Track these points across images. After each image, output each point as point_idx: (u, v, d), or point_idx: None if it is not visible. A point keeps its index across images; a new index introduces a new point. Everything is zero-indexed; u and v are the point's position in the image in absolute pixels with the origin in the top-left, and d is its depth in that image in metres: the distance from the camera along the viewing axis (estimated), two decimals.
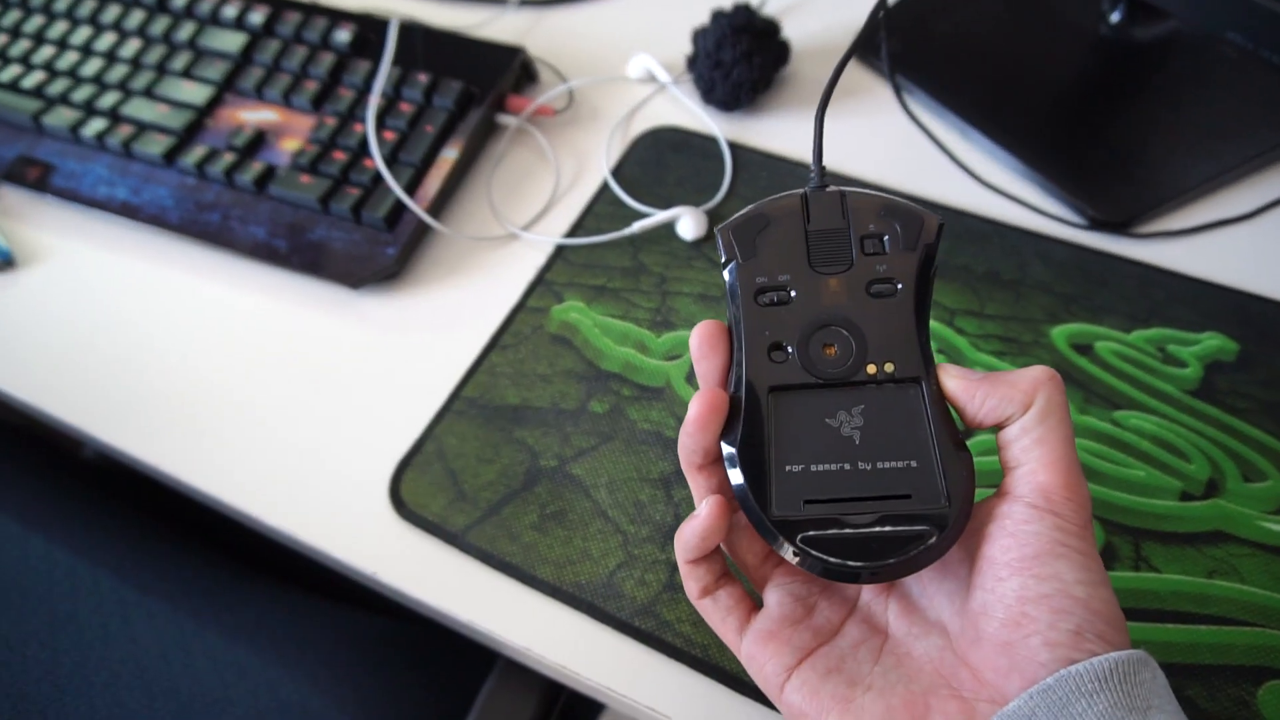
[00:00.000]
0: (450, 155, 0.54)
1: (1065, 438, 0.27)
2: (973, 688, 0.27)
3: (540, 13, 0.64)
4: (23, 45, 0.62)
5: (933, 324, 0.46)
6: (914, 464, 0.29)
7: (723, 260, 0.31)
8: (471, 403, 0.46)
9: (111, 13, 0.62)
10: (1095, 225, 0.49)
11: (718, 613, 0.31)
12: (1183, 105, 0.53)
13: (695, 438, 0.30)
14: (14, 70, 0.61)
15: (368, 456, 0.45)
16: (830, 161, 0.53)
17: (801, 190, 0.31)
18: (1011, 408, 0.28)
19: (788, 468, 0.29)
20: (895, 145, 0.53)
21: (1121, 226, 0.49)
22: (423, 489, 0.43)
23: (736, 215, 0.31)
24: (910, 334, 0.30)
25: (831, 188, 0.31)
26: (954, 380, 0.29)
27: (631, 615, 0.39)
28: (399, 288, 0.52)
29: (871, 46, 0.57)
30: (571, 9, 0.64)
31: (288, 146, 0.56)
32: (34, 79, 0.60)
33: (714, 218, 0.51)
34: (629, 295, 0.49)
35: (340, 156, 0.54)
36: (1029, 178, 0.51)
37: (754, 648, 0.30)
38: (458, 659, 0.48)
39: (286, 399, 0.48)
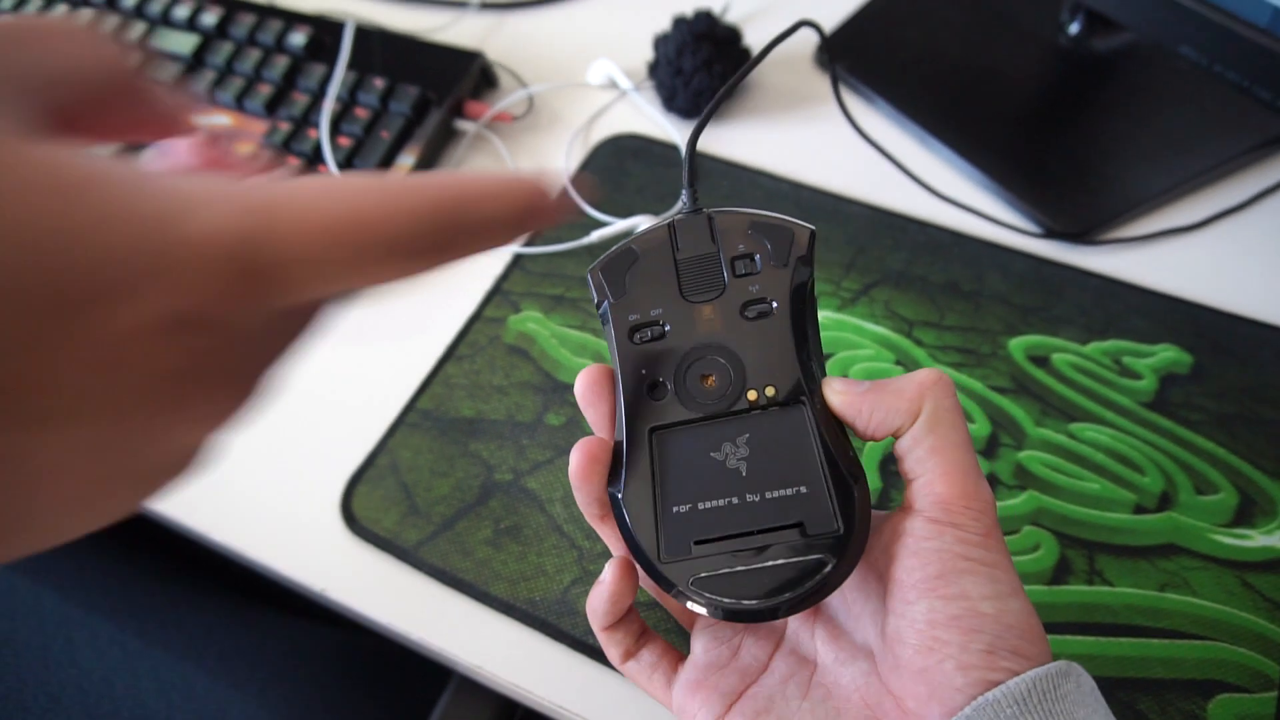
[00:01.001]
0: (407, 162, 0.53)
1: (958, 443, 0.27)
2: (898, 718, 0.27)
3: (501, 16, 0.64)
4: None
5: (892, 335, 0.46)
6: (804, 489, 0.28)
7: (595, 302, 0.30)
8: (426, 415, 0.45)
9: (58, 12, 0.61)
10: (1052, 235, 0.49)
11: (643, 673, 0.31)
12: (1139, 117, 0.53)
13: (581, 490, 0.29)
14: None
15: (319, 470, 0.44)
16: (786, 171, 0.53)
17: (670, 218, 0.30)
18: (899, 418, 0.27)
19: (675, 509, 0.28)
20: (852, 156, 0.53)
21: (1078, 237, 0.49)
22: (375, 504, 0.43)
23: (605, 254, 0.30)
24: (789, 353, 0.29)
25: (704, 211, 0.30)
26: (838, 395, 0.28)
27: (586, 633, 0.39)
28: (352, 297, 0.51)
29: (839, 55, 0.57)
30: (533, 13, 0.64)
31: (240, 151, 0.55)
32: None
33: None
34: (587, 305, 0.49)
35: (294, 162, 0.53)
36: (988, 187, 0.51)
37: (683, 699, 0.30)
38: (411, 675, 0.47)
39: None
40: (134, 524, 0.55)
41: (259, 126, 0.56)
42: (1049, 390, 0.44)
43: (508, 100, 0.57)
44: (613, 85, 0.58)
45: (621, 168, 0.54)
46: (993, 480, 0.42)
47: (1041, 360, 0.45)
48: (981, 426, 0.43)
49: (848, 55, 0.57)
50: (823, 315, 0.48)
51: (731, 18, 0.60)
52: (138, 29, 0.59)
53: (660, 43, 0.54)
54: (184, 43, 0.58)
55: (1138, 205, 0.50)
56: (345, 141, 0.53)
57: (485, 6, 0.64)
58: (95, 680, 0.41)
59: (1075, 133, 0.53)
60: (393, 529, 0.42)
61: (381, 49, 0.57)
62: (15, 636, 0.43)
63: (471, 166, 0.56)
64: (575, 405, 0.45)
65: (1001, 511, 0.41)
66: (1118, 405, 0.44)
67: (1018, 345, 0.46)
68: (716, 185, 0.52)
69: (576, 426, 0.45)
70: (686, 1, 0.62)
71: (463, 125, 0.56)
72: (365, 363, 0.48)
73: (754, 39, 0.58)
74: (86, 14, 0.60)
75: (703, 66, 0.51)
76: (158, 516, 0.45)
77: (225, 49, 0.58)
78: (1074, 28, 0.56)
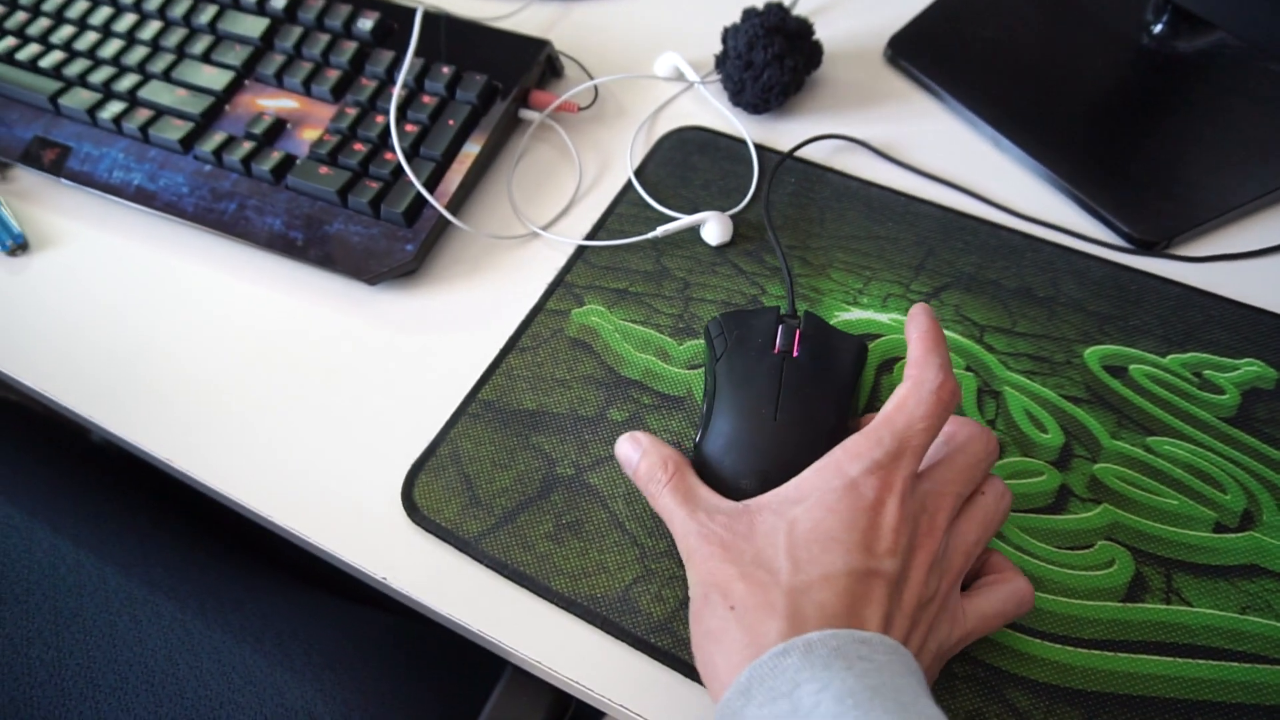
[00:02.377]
0: (472, 150, 0.53)
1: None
2: None
3: (567, 6, 0.63)
4: (42, 24, 0.61)
5: (963, 340, 0.45)
6: None
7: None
8: (488, 406, 0.45)
9: None
10: (1132, 243, 0.48)
11: None
12: (1226, 122, 0.51)
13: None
14: (33, 49, 0.60)
15: (381, 458, 0.44)
16: (852, 168, 0.52)
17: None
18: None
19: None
20: (923, 155, 0.52)
21: (1159, 245, 0.48)
22: (436, 493, 0.43)
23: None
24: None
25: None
26: None
27: (647, 631, 0.38)
28: (416, 284, 0.51)
29: (910, 52, 0.56)
30: (598, 3, 0.63)
31: (307, 136, 0.55)
32: (52, 59, 0.59)
33: (739, 222, 0.50)
34: (651, 300, 0.48)
35: (360, 148, 0.53)
36: (1064, 192, 0.50)
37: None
38: (467, 665, 0.47)
39: (299, 395, 0.47)
40: (194, 504, 0.56)
41: (326, 111, 0.56)
42: (1126, 402, 0.43)
43: (573, 91, 0.57)
44: (680, 77, 0.57)
45: (686, 161, 0.53)
46: (1065, 492, 0.41)
47: (1118, 371, 0.44)
48: (1055, 437, 0.42)
49: (918, 51, 0.56)
50: (890, 317, 0.47)
51: (800, 10, 0.59)
52: (208, 11, 0.59)
53: (729, 35, 0.53)
54: (254, 26, 0.58)
55: (1222, 214, 0.48)
56: (411, 128, 0.53)
57: None
58: (160, 660, 0.42)
59: (1157, 137, 0.51)
60: (453, 519, 0.42)
61: (448, 36, 0.57)
62: (83, 613, 0.43)
63: (536, 156, 0.55)
64: (639, 401, 0.45)
65: (1075, 525, 0.40)
66: (1198, 420, 0.42)
67: (1093, 355, 0.45)
68: (782, 181, 0.52)
69: (640, 422, 0.44)
70: None
71: (527, 115, 0.56)
72: (427, 352, 0.48)
73: (824, 33, 0.57)
74: None
75: (774, 61, 0.50)
76: (218, 496, 0.45)
77: (294, 33, 0.58)
78: (1158, 27, 0.54)
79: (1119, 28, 0.56)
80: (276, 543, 0.47)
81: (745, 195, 0.51)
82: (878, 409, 0.42)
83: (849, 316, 0.47)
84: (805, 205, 0.50)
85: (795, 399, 0.40)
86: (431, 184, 0.51)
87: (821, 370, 0.41)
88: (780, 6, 0.52)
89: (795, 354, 0.41)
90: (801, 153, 0.53)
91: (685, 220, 0.49)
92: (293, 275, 0.52)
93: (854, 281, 0.48)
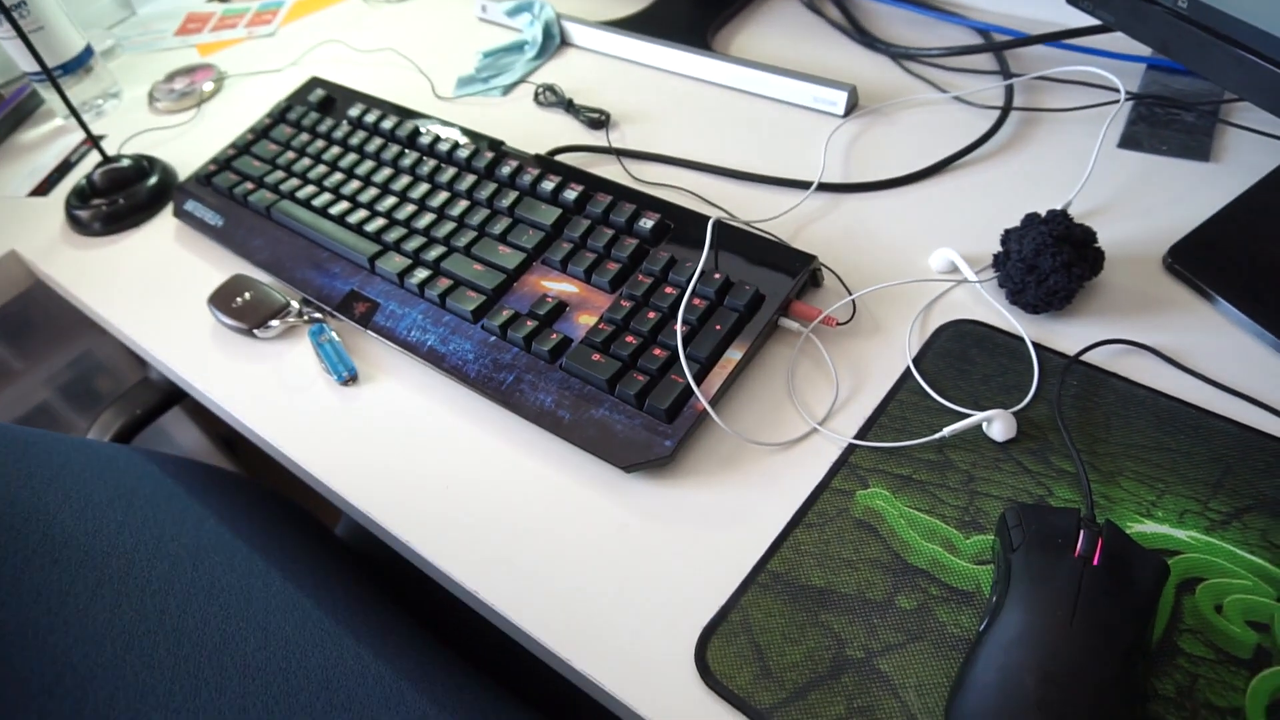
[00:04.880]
0: (734, 356, 0.54)
1: None
2: None
3: (837, 198, 0.67)
4: (371, 193, 0.70)
5: (1272, 569, 0.43)
6: None
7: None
8: (776, 577, 0.45)
9: (447, 174, 0.69)
10: None
11: None
12: None
13: None
14: (361, 214, 0.69)
15: (669, 619, 0.45)
16: (1135, 374, 0.52)
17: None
18: None
19: None
20: (1215, 368, 0.52)
21: None
22: (729, 659, 0.42)
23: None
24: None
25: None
26: None
27: None
28: (671, 472, 0.52)
29: (1193, 261, 0.56)
30: (867, 196, 0.67)
31: (583, 321, 0.59)
32: (375, 224, 0.67)
33: (1021, 420, 0.50)
34: (935, 489, 0.48)
35: (631, 340, 0.56)
36: None
37: None
38: None
39: (588, 546, 0.49)
40: (456, 616, 0.58)
41: (602, 300, 0.59)
42: None
43: (834, 306, 0.58)
44: (952, 271, 0.59)
45: (964, 354, 0.54)
46: None
47: None
48: None
49: (1202, 261, 0.56)
50: (1189, 534, 0.45)
51: (1075, 211, 0.61)
52: (509, 197, 0.66)
53: (1012, 238, 0.55)
54: (547, 214, 0.65)
55: None
56: (681, 327, 0.55)
57: (823, 188, 0.68)
58: None
59: None
60: (746, 688, 0.41)
61: (723, 239, 0.60)
62: (354, 703, 0.44)
63: (795, 367, 0.57)
64: (926, 591, 0.44)
65: None
66: None
67: None
68: (1064, 382, 0.51)
69: (929, 614, 0.43)
70: (1022, 193, 0.64)
71: (787, 324, 0.57)
72: (719, 509, 0.49)
73: (1104, 238, 0.58)
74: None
75: (1061, 269, 0.52)
76: (517, 631, 0.47)
77: (581, 225, 0.63)
78: None
79: None
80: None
81: (1025, 393, 0.51)
82: (1177, 631, 0.41)
83: (1143, 529, 0.45)
84: (1089, 409, 0.50)
85: (1094, 607, 0.39)
86: (695, 383, 0.53)
87: (1122, 583, 0.40)
88: (1064, 214, 0.54)
89: (1096, 561, 0.40)
90: (1084, 356, 0.53)
91: (973, 418, 0.49)
92: (549, 446, 0.55)
93: (1146, 493, 0.47)
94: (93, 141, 0.79)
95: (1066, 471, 0.48)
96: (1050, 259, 0.52)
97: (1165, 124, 0.66)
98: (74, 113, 0.76)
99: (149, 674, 0.42)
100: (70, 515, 0.48)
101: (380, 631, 0.54)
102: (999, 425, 0.49)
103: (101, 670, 0.40)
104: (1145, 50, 0.71)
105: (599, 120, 0.77)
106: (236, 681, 0.45)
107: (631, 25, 0.86)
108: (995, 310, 0.57)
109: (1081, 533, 0.41)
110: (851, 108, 0.74)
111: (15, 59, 0.86)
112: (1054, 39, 0.72)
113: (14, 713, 0.36)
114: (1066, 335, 0.54)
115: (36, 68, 0.86)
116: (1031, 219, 0.55)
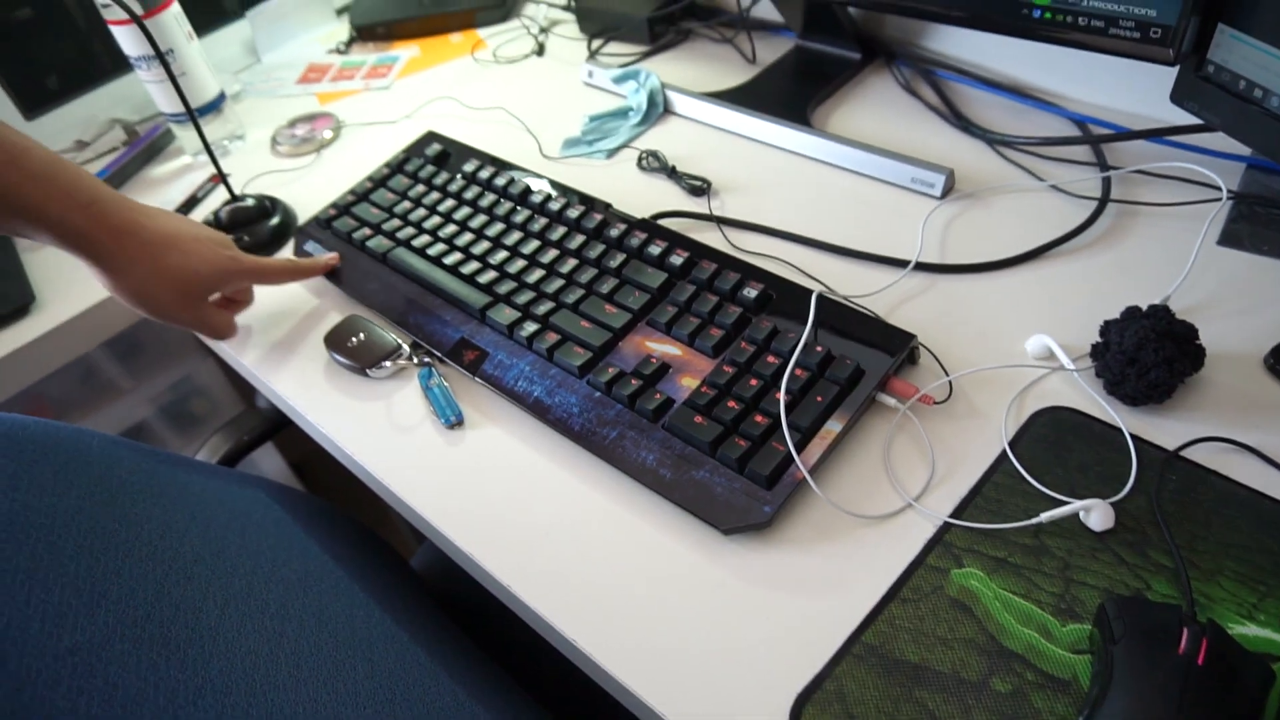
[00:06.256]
0: (834, 428, 0.56)
1: None
2: None
3: (933, 278, 0.69)
4: (483, 245, 0.74)
5: None
6: None
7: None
8: (871, 650, 0.46)
9: (557, 232, 0.73)
10: None
11: None
12: None
13: None
14: (474, 265, 0.72)
15: (762, 682, 0.46)
16: (1236, 473, 0.52)
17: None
18: None
19: None
20: None
21: None
22: None
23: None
24: None
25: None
26: None
27: None
28: (767, 537, 0.54)
29: None
30: (964, 279, 0.68)
31: (685, 383, 0.61)
32: (487, 276, 0.71)
33: (1118, 510, 0.51)
34: (1030, 574, 0.49)
35: (733, 405, 0.57)
36: None
37: None
38: None
39: (684, 603, 0.51)
40: (536, 659, 0.62)
41: (704, 364, 0.62)
42: None
43: (932, 386, 0.60)
44: (1049, 358, 0.60)
45: (1061, 441, 0.55)
46: None
47: None
48: None
49: None
50: None
51: (1176, 306, 0.61)
52: (617, 258, 0.69)
53: (1113, 330, 0.56)
54: (654, 277, 0.67)
55: None
56: (784, 396, 0.57)
57: (920, 267, 0.69)
58: None
59: None
60: None
61: (825, 314, 0.62)
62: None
63: (891, 443, 0.58)
64: (1022, 676, 0.45)
65: None
66: None
67: None
68: (1163, 478, 0.52)
69: (1024, 699, 0.44)
70: (1118, 285, 0.65)
71: (884, 399, 0.59)
72: (814, 577, 0.51)
73: (1204, 334, 0.58)
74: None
75: (1164, 363, 0.53)
76: (612, 682, 0.49)
77: (687, 290, 0.66)
78: None
79: None
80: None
81: (1123, 484, 0.52)
82: None
83: (1244, 631, 0.46)
84: (1189, 505, 0.51)
85: (1198, 708, 0.39)
86: (796, 452, 0.55)
87: (1226, 685, 0.40)
88: (1166, 310, 0.55)
89: (1200, 661, 0.40)
90: (1183, 451, 0.54)
91: (1073, 505, 0.50)
92: (648, 503, 0.57)
93: (1248, 595, 0.47)
94: (222, 180, 0.84)
95: (1164, 566, 0.48)
96: (1153, 353, 0.53)
97: (1266, 223, 0.67)
98: (209, 152, 0.82)
99: (275, 695, 0.44)
100: (197, 534, 0.51)
101: (466, 668, 0.56)
102: (1097, 515, 0.50)
103: (235, 686, 0.43)
104: (1244, 149, 0.72)
105: (700, 188, 0.81)
106: (350, 710, 0.47)
107: (733, 97, 0.89)
108: (1093, 400, 0.57)
109: (1185, 630, 0.42)
110: (948, 190, 0.76)
111: (156, 99, 0.93)
112: (1153, 135, 0.73)
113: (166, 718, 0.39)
114: (1165, 429, 0.55)
115: (176, 109, 0.93)
116: (1132, 312, 0.56)
